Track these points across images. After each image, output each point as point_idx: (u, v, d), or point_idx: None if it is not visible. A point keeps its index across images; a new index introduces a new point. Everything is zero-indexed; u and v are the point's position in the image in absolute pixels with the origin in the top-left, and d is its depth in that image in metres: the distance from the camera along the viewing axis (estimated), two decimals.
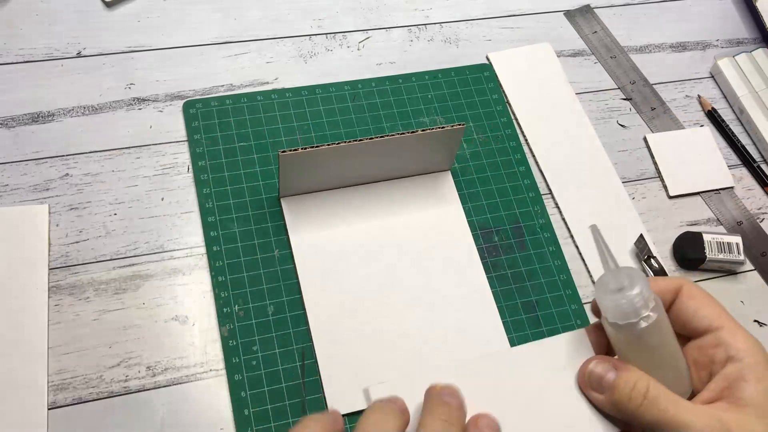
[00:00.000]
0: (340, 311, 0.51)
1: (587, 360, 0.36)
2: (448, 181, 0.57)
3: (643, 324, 0.34)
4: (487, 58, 0.65)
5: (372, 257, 0.53)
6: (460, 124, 0.52)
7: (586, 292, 0.55)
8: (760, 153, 0.65)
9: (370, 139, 0.50)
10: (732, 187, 0.62)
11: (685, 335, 0.36)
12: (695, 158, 0.63)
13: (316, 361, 0.49)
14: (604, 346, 0.37)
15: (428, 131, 0.51)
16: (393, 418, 0.33)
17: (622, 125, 0.64)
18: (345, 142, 0.50)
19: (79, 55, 0.59)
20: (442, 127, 0.51)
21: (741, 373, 0.34)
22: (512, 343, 0.51)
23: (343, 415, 0.47)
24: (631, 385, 0.33)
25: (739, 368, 0.34)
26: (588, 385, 0.35)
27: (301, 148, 0.48)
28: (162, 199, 0.54)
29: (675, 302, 0.36)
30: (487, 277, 0.54)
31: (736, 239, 0.57)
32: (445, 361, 0.49)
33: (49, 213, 0.52)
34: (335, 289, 0.51)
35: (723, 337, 0.35)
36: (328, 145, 0.49)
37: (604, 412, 0.35)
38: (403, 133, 0.51)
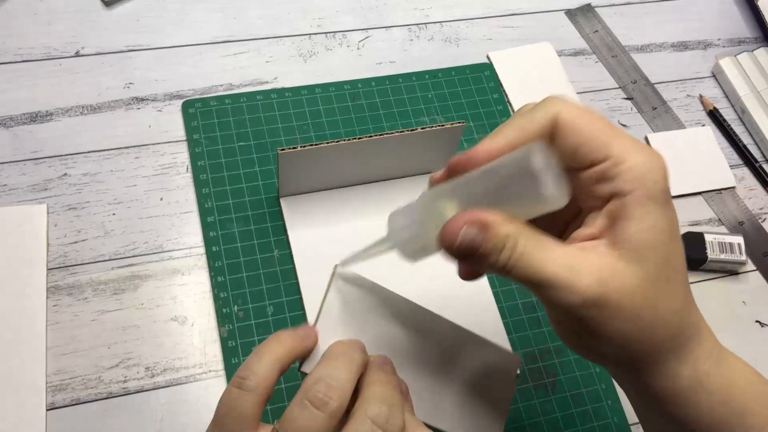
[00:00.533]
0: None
1: (450, 221, 0.31)
2: None
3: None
4: (488, 58, 0.65)
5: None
6: (460, 122, 0.51)
7: None
8: (761, 152, 0.64)
9: (370, 137, 0.50)
10: (734, 187, 0.62)
11: (572, 169, 0.32)
12: (697, 158, 0.62)
13: None
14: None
15: (428, 129, 0.51)
16: (350, 365, 0.34)
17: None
18: (344, 140, 0.49)
19: (77, 55, 0.59)
20: (442, 125, 0.51)
21: (625, 211, 0.31)
22: (512, 343, 0.51)
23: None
24: (500, 243, 0.31)
25: (620, 204, 0.31)
26: (452, 253, 0.32)
27: (300, 146, 0.48)
28: (161, 199, 0.54)
29: (554, 139, 0.32)
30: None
31: (738, 239, 0.56)
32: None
33: (48, 213, 0.52)
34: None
35: (607, 170, 0.31)
36: (328, 143, 0.49)
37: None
38: (403, 131, 0.50)
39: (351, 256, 0.39)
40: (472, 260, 0.31)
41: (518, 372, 0.41)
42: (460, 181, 0.31)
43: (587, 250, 0.31)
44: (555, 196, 0.28)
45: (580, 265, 0.30)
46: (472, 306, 0.52)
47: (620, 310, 0.31)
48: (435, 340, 0.39)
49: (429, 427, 0.36)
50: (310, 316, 0.50)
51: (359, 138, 0.50)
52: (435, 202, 0.32)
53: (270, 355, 0.35)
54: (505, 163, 0.30)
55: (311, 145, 0.49)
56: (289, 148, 0.48)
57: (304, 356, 0.37)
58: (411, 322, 0.39)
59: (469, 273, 0.34)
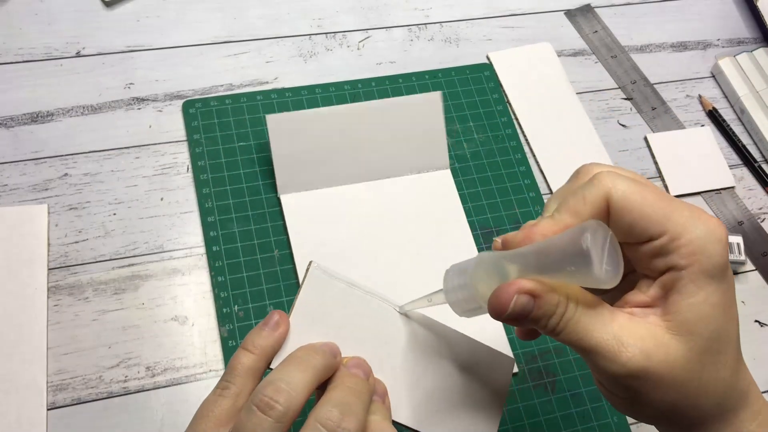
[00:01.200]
0: None
1: (501, 287, 0.32)
2: (446, 177, 0.57)
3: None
4: (488, 58, 0.65)
5: (372, 256, 0.53)
6: (436, 93, 0.56)
7: None
8: (761, 153, 0.64)
9: (352, 105, 0.55)
10: (733, 187, 0.62)
11: (628, 242, 0.32)
12: (696, 158, 0.62)
13: None
14: None
15: (405, 97, 0.56)
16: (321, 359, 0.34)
17: (622, 125, 0.64)
18: (331, 107, 0.54)
19: (78, 55, 0.59)
20: (420, 95, 0.56)
21: (677, 284, 0.31)
22: (512, 343, 0.51)
23: None
24: (551, 310, 0.31)
25: (675, 277, 0.31)
26: (505, 320, 0.32)
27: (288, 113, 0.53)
28: (161, 199, 0.54)
29: (608, 218, 0.32)
30: None
31: (737, 239, 0.57)
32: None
33: (48, 213, 0.52)
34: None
35: (663, 245, 0.31)
36: (316, 110, 0.53)
37: None
38: (384, 100, 0.55)
39: (407, 304, 0.39)
40: (521, 323, 0.32)
41: (515, 371, 0.41)
42: (516, 251, 0.32)
43: (636, 318, 0.32)
44: (605, 278, 0.29)
45: (627, 335, 0.31)
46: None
47: (663, 382, 0.31)
48: (421, 340, 0.39)
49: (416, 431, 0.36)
50: None
51: (345, 105, 0.54)
52: (490, 267, 0.33)
53: (312, 371, 0.33)
54: (558, 243, 0.30)
55: (300, 112, 0.53)
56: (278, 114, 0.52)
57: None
58: (394, 322, 0.38)
59: (525, 334, 0.36)
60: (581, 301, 0.32)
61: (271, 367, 0.35)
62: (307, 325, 0.36)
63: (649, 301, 0.32)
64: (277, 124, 0.52)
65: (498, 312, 0.32)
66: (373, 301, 0.38)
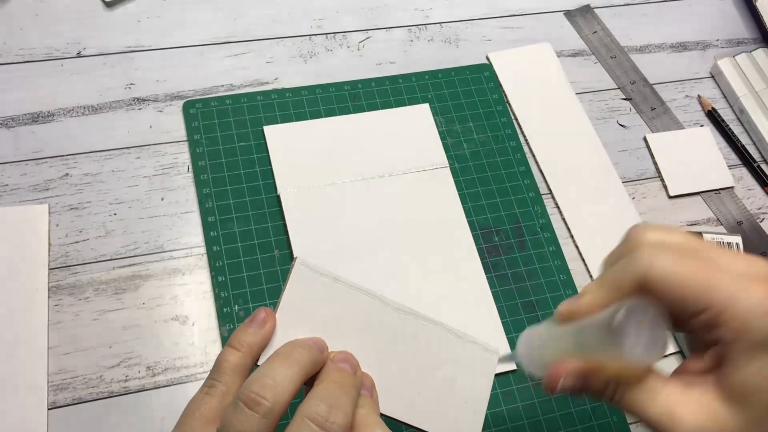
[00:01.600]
0: None
1: (555, 365, 0.34)
2: (446, 175, 0.57)
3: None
4: (487, 58, 0.65)
5: (371, 255, 0.53)
6: (422, 105, 0.57)
7: None
8: (760, 153, 0.65)
9: (346, 115, 0.53)
10: (732, 187, 0.62)
11: (678, 321, 0.33)
12: (695, 158, 0.63)
13: None
14: None
15: (396, 109, 0.56)
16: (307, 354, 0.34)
17: (622, 125, 0.64)
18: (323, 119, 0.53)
19: (79, 55, 0.59)
20: (407, 106, 0.58)
21: (728, 355, 0.32)
22: (511, 343, 0.51)
23: None
24: (602, 385, 0.33)
25: (726, 349, 0.32)
26: (558, 392, 0.34)
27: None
28: (162, 199, 0.54)
29: (650, 294, 0.32)
30: (487, 277, 0.54)
31: (737, 239, 0.57)
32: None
33: (49, 213, 0.52)
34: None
35: (711, 318, 0.31)
36: (311, 121, 0.50)
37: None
38: (376, 111, 0.55)
39: (502, 356, 0.41)
40: (578, 397, 0.33)
41: (513, 368, 0.41)
42: (564, 330, 0.34)
43: (692, 387, 0.32)
44: (640, 358, 0.30)
45: (681, 409, 0.31)
46: (471, 305, 0.52)
47: None
48: (407, 333, 0.39)
49: (403, 424, 0.36)
50: None
51: (340, 117, 0.52)
52: (549, 342, 0.36)
53: (298, 367, 0.33)
54: (594, 322, 0.32)
55: (296, 122, 0.51)
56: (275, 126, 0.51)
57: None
58: (380, 317, 0.38)
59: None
60: (630, 377, 0.32)
61: (258, 363, 0.35)
62: (294, 322, 0.36)
63: (705, 368, 0.32)
64: (275, 134, 0.52)
65: (550, 390, 0.34)
66: (360, 295, 0.38)
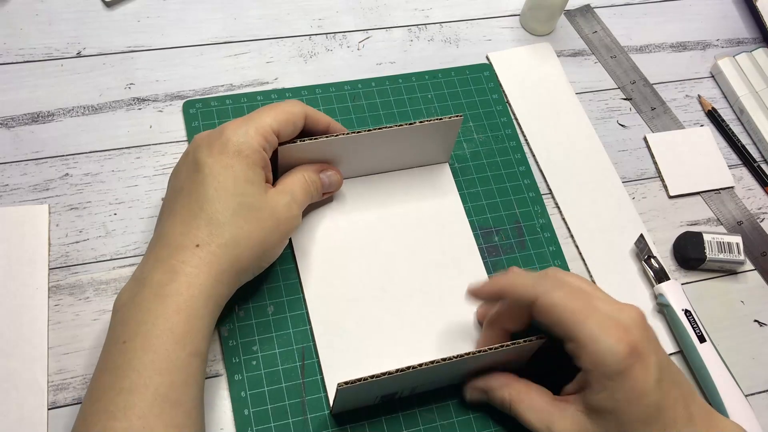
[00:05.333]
0: (340, 303, 0.51)
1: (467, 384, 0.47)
2: (446, 173, 0.57)
3: None
4: (487, 58, 0.65)
5: (372, 248, 0.53)
6: (458, 116, 0.52)
7: None
8: (760, 153, 0.65)
9: (369, 130, 0.50)
10: (732, 187, 0.62)
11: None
12: (695, 158, 0.63)
13: (317, 361, 0.49)
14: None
15: (426, 122, 0.51)
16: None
17: (622, 125, 0.64)
18: (344, 133, 0.50)
19: (79, 55, 0.59)
20: (440, 119, 0.52)
21: (587, 381, 0.41)
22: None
23: (349, 411, 0.47)
24: (498, 401, 0.46)
25: (584, 378, 0.41)
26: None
27: (300, 140, 0.49)
28: (162, 199, 0.54)
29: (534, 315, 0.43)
30: (486, 275, 0.54)
31: (737, 239, 0.57)
32: (442, 350, 0.50)
33: (49, 213, 0.52)
34: (336, 282, 0.52)
35: (573, 350, 0.41)
36: (327, 137, 0.49)
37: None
38: (401, 125, 0.51)
39: None
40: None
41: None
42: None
43: (567, 404, 0.43)
44: None
45: (558, 423, 0.42)
46: (472, 306, 0.52)
47: None
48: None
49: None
50: (313, 316, 0.50)
51: (358, 131, 0.50)
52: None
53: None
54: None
55: (310, 139, 0.49)
56: (289, 142, 0.48)
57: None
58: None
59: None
60: (523, 397, 0.45)
61: None
62: None
63: (575, 389, 0.43)
64: (288, 152, 0.49)
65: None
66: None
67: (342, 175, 0.53)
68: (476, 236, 0.55)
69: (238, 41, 0.62)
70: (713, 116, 0.66)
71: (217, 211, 0.42)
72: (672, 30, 0.71)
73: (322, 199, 0.53)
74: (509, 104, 0.63)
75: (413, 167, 0.57)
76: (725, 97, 0.67)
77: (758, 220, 0.61)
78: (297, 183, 0.48)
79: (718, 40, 0.71)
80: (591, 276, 0.55)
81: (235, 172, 0.43)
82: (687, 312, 0.52)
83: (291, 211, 0.46)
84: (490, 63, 0.65)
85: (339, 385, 0.42)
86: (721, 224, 0.60)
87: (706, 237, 0.56)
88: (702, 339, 0.51)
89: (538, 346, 0.45)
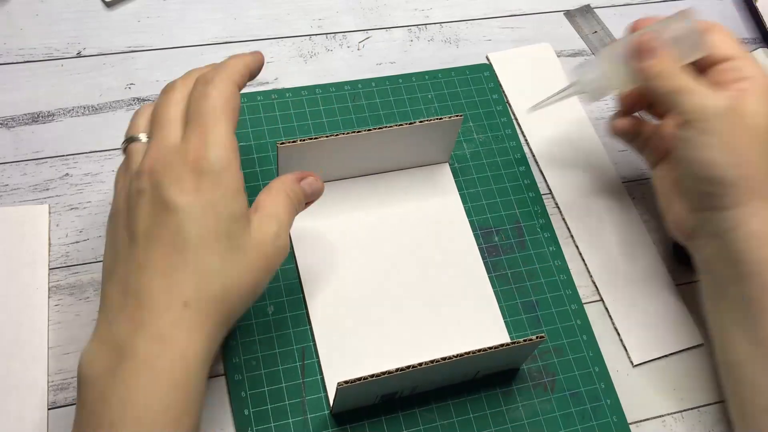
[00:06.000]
0: (340, 302, 0.51)
1: (638, 33, 0.49)
2: (446, 173, 0.57)
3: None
4: (487, 58, 0.65)
5: (372, 249, 0.53)
6: (458, 116, 0.52)
7: (586, 292, 0.55)
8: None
9: (369, 130, 0.50)
10: None
11: (712, 62, 0.47)
12: None
13: (317, 361, 0.49)
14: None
15: (426, 122, 0.51)
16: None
17: None
18: (343, 133, 0.50)
19: (79, 55, 0.59)
20: (440, 118, 0.52)
21: (751, 88, 0.45)
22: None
23: (349, 411, 0.47)
24: (671, 57, 0.46)
25: (751, 84, 0.45)
26: (636, 53, 0.48)
27: (300, 140, 0.49)
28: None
29: (709, 34, 0.48)
30: (488, 277, 0.54)
31: None
32: (442, 350, 0.49)
33: (49, 213, 0.52)
34: (336, 282, 0.52)
35: (739, 64, 0.46)
36: (327, 136, 0.49)
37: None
38: (402, 124, 0.51)
39: (540, 102, 0.54)
40: (644, 59, 0.47)
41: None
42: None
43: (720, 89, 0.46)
44: (704, 48, 0.47)
45: (722, 91, 0.45)
46: (472, 305, 0.52)
47: (748, 127, 0.43)
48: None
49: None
50: (313, 316, 0.50)
51: (358, 131, 0.50)
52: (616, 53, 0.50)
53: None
54: (669, 24, 0.48)
55: (310, 138, 0.49)
56: (289, 142, 0.48)
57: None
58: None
59: (624, 126, 0.54)
60: (685, 69, 0.46)
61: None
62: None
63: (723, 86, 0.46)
64: (288, 152, 0.50)
65: (636, 43, 0.48)
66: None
67: (323, 182, 0.46)
68: (476, 236, 0.55)
69: (238, 41, 0.62)
70: None
71: (203, 262, 0.36)
72: None
73: (305, 209, 0.46)
74: (509, 104, 0.63)
75: (413, 167, 0.57)
76: None
77: None
78: (281, 204, 0.41)
79: None
80: (590, 276, 0.56)
81: (218, 210, 0.37)
82: None
83: (279, 241, 0.40)
84: (490, 63, 0.65)
85: (339, 384, 0.42)
86: None
87: None
88: None
89: (538, 346, 0.45)
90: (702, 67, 0.47)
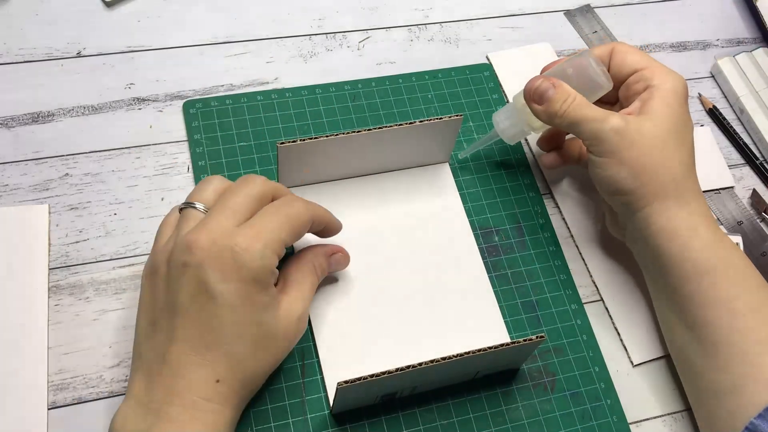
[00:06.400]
0: (341, 302, 0.51)
1: (533, 78, 0.50)
2: (446, 172, 0.57)
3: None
4: (487, 58, 0.65)
5: (372, 249, 0.53)
6: (458, 115, 0.52)
7: (586, 292, 0.55)
8: (760, 153, 0.65)
9: (369, 130, 0.50)
10: (732, 187, 0.62)
11: (620, 81, 0.51)
12: (696, 157, 0.62)
13: (317, 361, 0.49)
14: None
15: (426, 122, 0.51)
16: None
17: None
18: (343, 133, 0.50)
19: (79, 55, 0.59)
20: (440, 118, 0.52)
21: (652, 95, 0.48)
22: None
23: (349, 411, 0.47)
24: (564, 96, 0.48)
25: (651, 92, 0.48)
26: (532, 98, 0.50)
27: (300, 139, 0.49)
28: (162, 199, 0.54)
29: (611, 59, 0.51)
30: (489, 277, 0.54)
31: (737, 239, 0.57)
32: (442, 350, 0.49)
33: (49, 213, 0.52)
34: (336, 282, 0.51)
35: (644, 74, 0.49)
36: (326, 136, 0.49)
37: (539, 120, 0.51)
38: (401, 124, 0.51)
39: (469, 149, 0.57)
40: (541, 101, 0.49)
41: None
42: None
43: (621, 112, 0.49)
44: (605, 83, 0.50)
45: (612, 115, 0.47)
46: (472, 305, 0.52)
47: (636, 142, 0.47)
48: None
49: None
50: (313, 316, 0.50)
51: (358, 131, 0.50)
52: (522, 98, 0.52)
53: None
54: (572, 64, 0.50)
55: (310, 138, 0.49)
56: (289, 142, 0.48)
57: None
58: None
59: (550, 157, 0.56)
60: (582, 98, 0.49)
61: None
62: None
63: (631, 111, 0.49)
64: (288, 152, 0.50)
65: (528, 90, 0.50)
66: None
67: (349, 257, 0.50)
68: (476, 236, 0.55)
69: (238, 41, 0.62)
70: (714, 115, 0.66)
71: (236, 347, 0.40)
72: (672, 30, 0.71)
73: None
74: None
75: (413, 167, 0.57)
76: (725, 97, 0.67)
77: (758, 220, 0.61)
78: (308, 282, 0.46)
79: (718, 39, 0.71)
80: (591, 276, 0.55)
81: (253, 302, 0.40)
82: None
83: (302, 324, 0.44)
84: (490, 63, 0.65)
85: (339, 384, 0.42)
86: (721, 224, 0.60)
87: None
88: None
89: (538, 346, 0.45)
90: (617, 84, 0.51)
